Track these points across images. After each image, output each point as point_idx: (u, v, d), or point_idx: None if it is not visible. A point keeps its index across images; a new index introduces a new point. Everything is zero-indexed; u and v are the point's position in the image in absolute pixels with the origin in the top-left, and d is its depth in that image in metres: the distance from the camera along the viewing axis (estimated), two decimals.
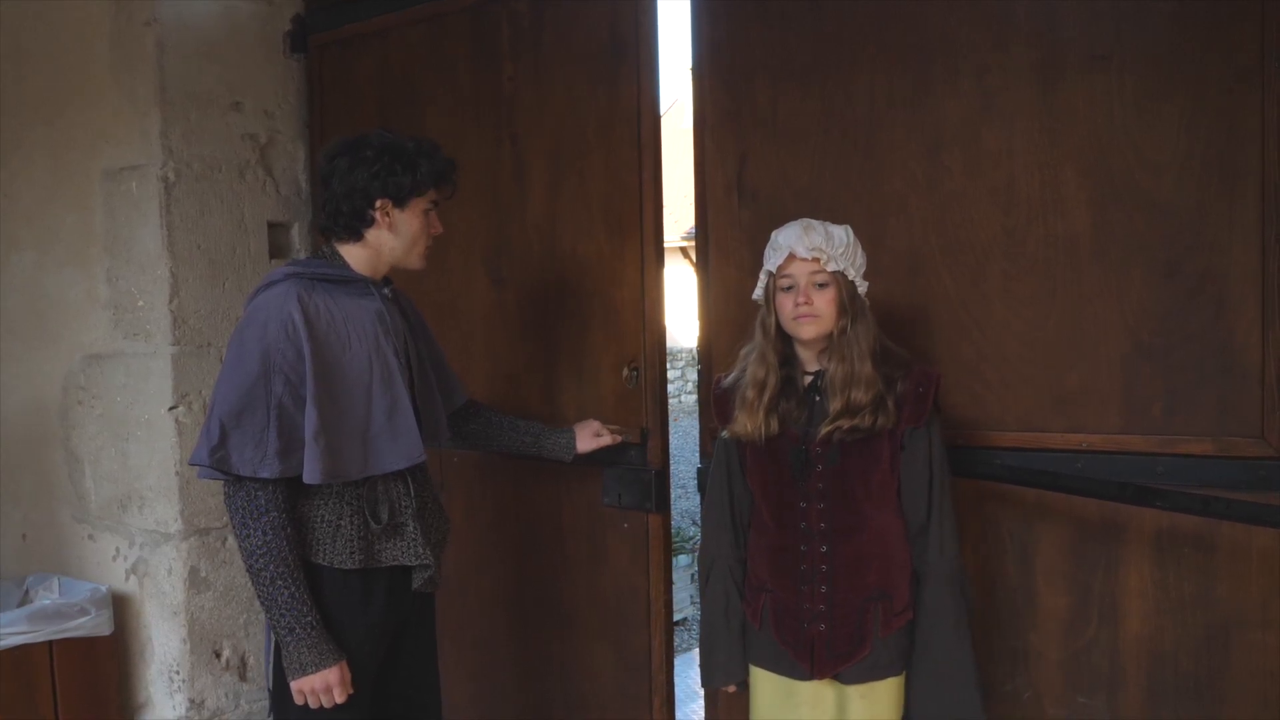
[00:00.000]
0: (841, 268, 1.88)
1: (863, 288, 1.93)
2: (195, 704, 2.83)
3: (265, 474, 1.87)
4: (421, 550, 2.04)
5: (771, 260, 1.92)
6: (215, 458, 1.87)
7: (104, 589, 2.86)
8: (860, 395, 1.86)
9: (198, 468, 1.93)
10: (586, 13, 2.50)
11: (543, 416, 2.62)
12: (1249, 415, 1.91)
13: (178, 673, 2.84)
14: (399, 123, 2.80)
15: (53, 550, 3.08)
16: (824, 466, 1.91)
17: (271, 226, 3.01)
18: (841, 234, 1.90)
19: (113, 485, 2.93)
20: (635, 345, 2.50)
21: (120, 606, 2.89)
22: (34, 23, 3.02)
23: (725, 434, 2.02)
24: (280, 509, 1.90)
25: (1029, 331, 2.08)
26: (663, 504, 2.48)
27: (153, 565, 2.85)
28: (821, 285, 1.88)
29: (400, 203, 2.02)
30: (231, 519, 1.92)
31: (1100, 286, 2.02)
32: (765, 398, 1.92)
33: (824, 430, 1.88)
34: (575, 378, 2.60)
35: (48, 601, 2.76)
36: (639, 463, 2.49)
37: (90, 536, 3.01)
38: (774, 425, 1.92)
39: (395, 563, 2.02)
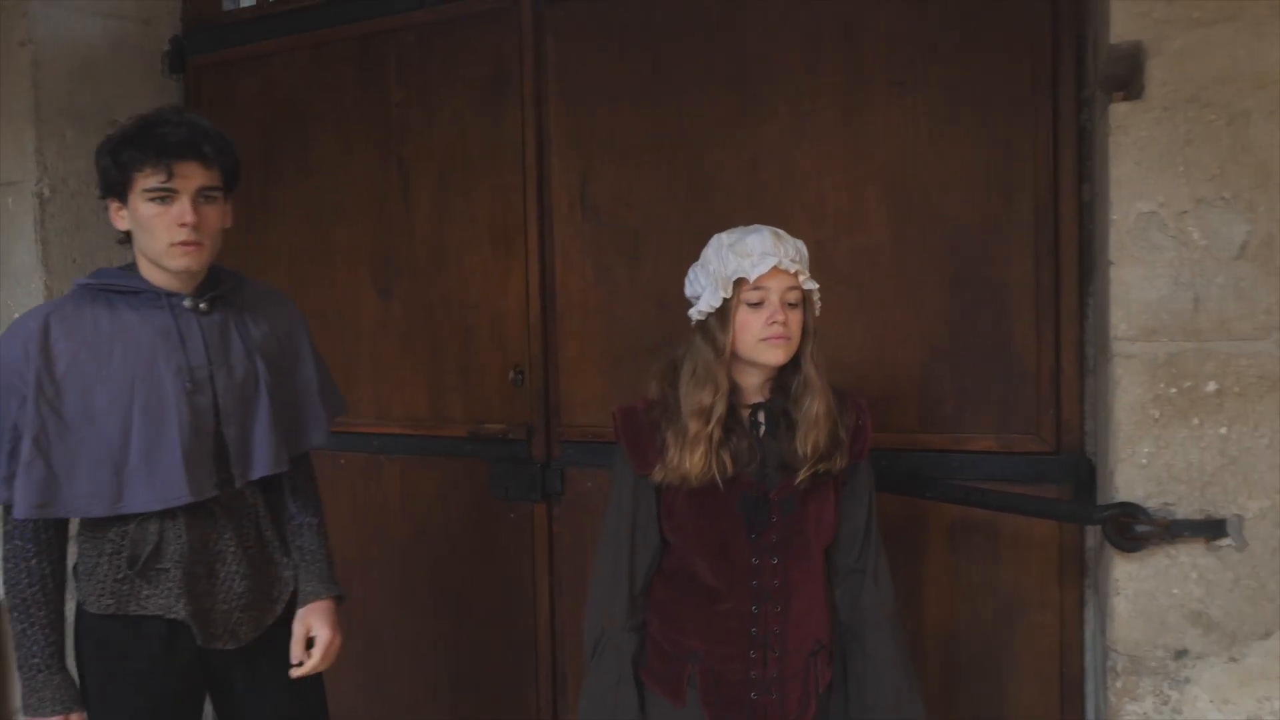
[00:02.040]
0: (814, 287, 1.70)
1: (817, 310, 1.74)
2: None
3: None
4: (176, 603, 1.80)
5: (744, 266, 1.65)
6: None
7: None
8: (825, 433, 1.67)
9: None
10: (472, 43, 2.64)
11: (429, 419, 2.76)
12: (1027, 414, 2.11)
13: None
14: (283, 142, 2.94)
15: None
16: (779, 517, 1.69)
17: None
18: (803, 246, 1.73)
19: None
20: (520, 350, 2.64)
21: None
22: None
23: (653, 477, 1.71)
24: (28, 538, 1.76)
25: (838, 336, 2.25)
26: (547, 494, 2.62)
27: None
28: (793, 305, 1.67)
29: (122, 197, 1.78)
30: None
31: (900, 295, 2.20)
32: (713, 430, 1.64)
33: (803, 475, 1.66)
34: (463, 381, 2.73)
35: None
36: (524, 457, 2.64)
37: None
38: (727, 466, 1.65)
39: (145, 612, 1.81)
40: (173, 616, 1.80)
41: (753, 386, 1.72)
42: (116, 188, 1.77)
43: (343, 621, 2.03)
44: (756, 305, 1.65)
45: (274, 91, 2.96)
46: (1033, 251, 2.08)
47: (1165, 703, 1.68)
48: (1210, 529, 1.63)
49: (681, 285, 2.35)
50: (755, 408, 1.72)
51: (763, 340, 1.64)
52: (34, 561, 1.76)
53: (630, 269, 2.47)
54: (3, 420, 1.74)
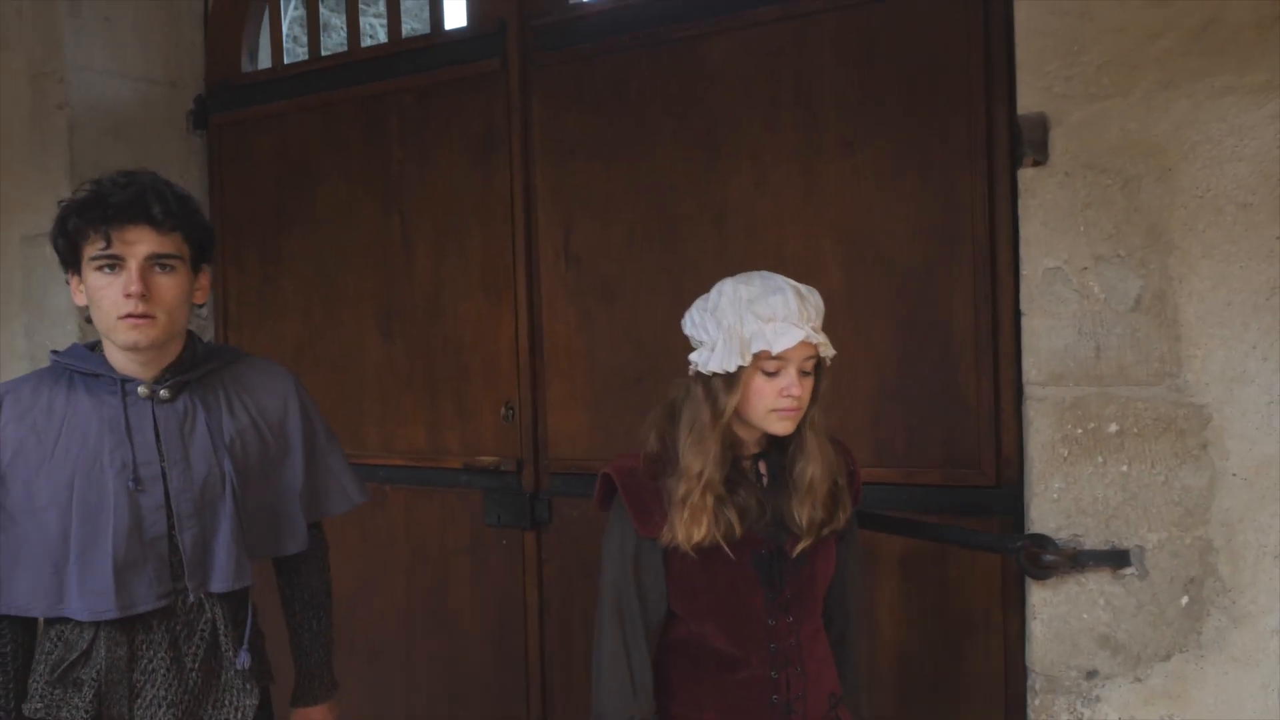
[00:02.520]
0: (831, 354, 1.60)
1: (828, 367, 1.64)
2: None
3: None
4: (83, 716, 1.64)
5: (767, 334, 1.53)
6: None
7: None
8: (826, 492, 1.61)
9: None
10: (465, 107, 2.86)
11: (429, 452, 2.97)
12: (970, 449, 2.26)
13: None
14: (294, 196, 3.17)
15: None
16: (794, 573, 1.61)
17: None
18: (819, 301, 1.62)
19: None
20: (511, 388, 2.84)
21: None
22: None
23: (661, 539, 1.59)
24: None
25: None
26: (536, 522, 2.81)
27: None
28: (807, 373, 1.57)
29: (77, 269, 1.65)
30: None
31: (853, 336, 2.36)
32: (711, 497, 1.55)
33: (802, 544, 1.59)
34: (458, 417, 2.94)
35: None
36: (515, 487, 2.83)
37: None
38: (735, 526, 1.56)
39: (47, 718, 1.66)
40: None
41: (751, 439, 1.63)
42: (69, 259, 1.64)
43: (347, 640, 2.21)
44: (773, 375, 1.54)
45: (287, 149, 3.19)
46: (972, 298, 2.24)
47: (1079, 719, 1.82)
48: (1114, 559, 1.77)
49: (654, 328, 2.55)
50: (755, 458, 1.64)
51: (773, 411, 1.55)
52: None
53: (609, 313, 2.66)
54: None
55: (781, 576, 1.60)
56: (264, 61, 3.39)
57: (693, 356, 1.61)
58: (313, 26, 3.25)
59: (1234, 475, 1.69)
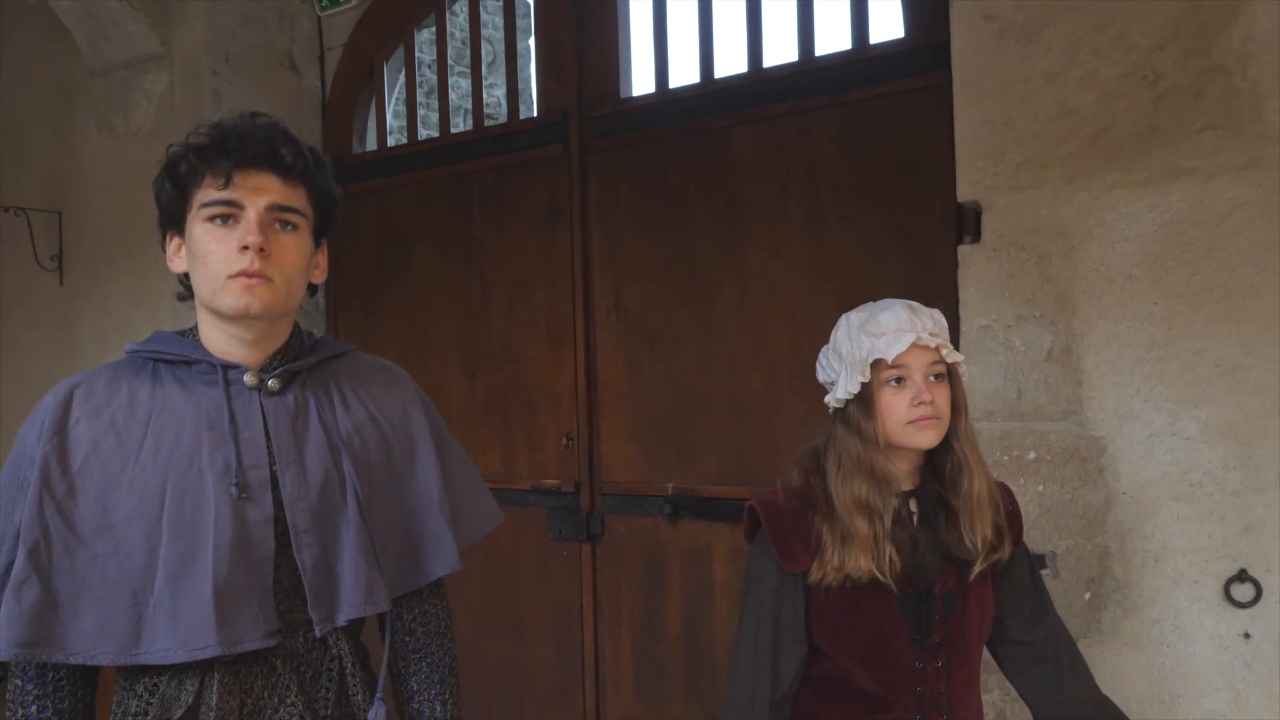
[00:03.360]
0: (959, 359, 1.59)
1: (965, 379, 1.64)
2: None
3: None
4: None
5: (879, 346, 1.55)
6: None
7: None
8: (989, 520, 1.56)
9: None
10: (534, 183, 3.45)
11: (504, 475, 3.53)
12: None
13: None
14: (394, 258, 3.80)
15: None
16: (942, 615, 1.56)
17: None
18: (940, 316, 1.62)
19: None
20: (571, 422, 3.39)
21: None
22: (125, 182, 4.11)
23: (805, 574, 1.57)
24: (30, 676, 1.37)
25: (807, 416, 2.91)
26: (590, 536, 3.34)
27: None
28: (938, 378, 1.56)
29: (180, 227, 1.42)
30: None
31: None
32: (883, 525, 1.52)
33: (978, 567, 1.55)
34: (527, 446, 3.50)
35: None
36: (574, 506, 3.37)
37: None
38: (895, 562, 1.53)
39: None
40: None
41: (902, 473, 1.59)
42: (173, 213, 1.41)
43: None
44: (898, 386, 1.54)
45: (388, 219, 3.83)
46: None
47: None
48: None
49: (689, 373, 3.07)
50: (906, 495, 1.60)
51: (910, 423, 1.53)
52: (34, 709, 1.36)
53: (652, 360, 3.19)
54: (4, 525, 1.36)
55: (930, 618, 1.55)
56: (370, 144, 4.05)
57: (827, 399, 1.63)
58: (411, 116, 3.89)
59: (1124, 494, 2.12)
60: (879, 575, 1.51)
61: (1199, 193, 2.06)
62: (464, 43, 5.04)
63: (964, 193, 2.32)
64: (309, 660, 1.43)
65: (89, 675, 1.42)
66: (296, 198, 1.40)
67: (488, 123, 3.65)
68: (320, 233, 1.49)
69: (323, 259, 1.53)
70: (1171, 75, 2.08)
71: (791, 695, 1.60)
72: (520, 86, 3.65)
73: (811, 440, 1.67)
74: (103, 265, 4.21)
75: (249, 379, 1.41)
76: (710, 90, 3.08)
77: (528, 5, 3.56)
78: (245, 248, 1.33)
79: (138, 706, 1.38)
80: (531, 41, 3.50)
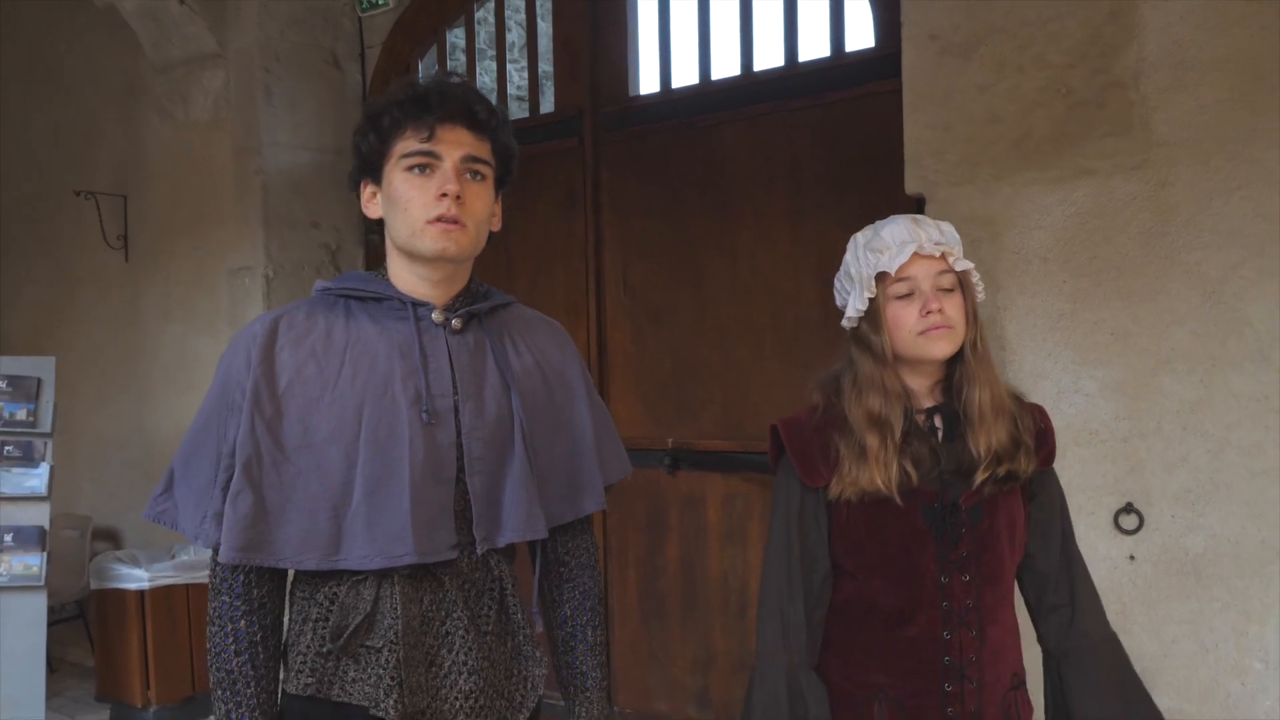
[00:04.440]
0: (969, 266, 1.60)
1: (981, 292, 1.64)
2: None
3: (201, 542, 1.50)
4: (385, 697, 1.46)
5: (883, 260, 1.57)
6: (158, 510, 1.55)
7: None
8: (1004, 431, 1.56)
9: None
10: (553, 173, 3.93)
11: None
12: None
13: None
14: None
15: None
16: (968, 527, 1.56)
17: None
18: (950, 227, 1.62)
19: None
20: None
21: None
22: (185, 168, 4.64)
23: (826, 490, 1.59)
24: (238, 594, 1.49)
25: (787, 380, 3.38)
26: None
27: None
28: (948, 289, 1.57)
29: (376, 175, 1.56)
30: None
31: (825, 350, 3.29)
32: (893, 440, 1.54)
33: (979, 479, 1.54)
34: None
35: (186, 557, 4.28)
36: None
37: None
38: (911, 475, 1.54)
39: (350, 700, 1.50)
40: (378, 714, 1.46)
41: (923, 389, 1.61)
42: (372, 162, 1.55)
43: None
44: (906, 298, 1.55)
45: None
46: None
47: None
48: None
49: (687, 341, 3.55)
50: (930, 411, 1.60)
51: (921, 334, 1.54)
52: (243, 624, 1.48)
53: (655, 330, 3.68)
54: (220, 445, 1.49)
55: (956, 530, 1.55)
56: None
57: (842, 321, 1.66)
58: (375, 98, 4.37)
59: None
60: (885, 489, 1.52)
61: (1100, 189, 2.50)
62: (489, 43, 5.51)
63: (910, 186, 2.78)
64: (473, 579, 1.55)
65: (283, 594, 1.54)
66: (485, 151, 1.53)
67: (511, 117, 4.11)
68: (499, 183, 1.60)
69: (499, 209, 1.62)
70: (1080, 89, 2.52)
71: (823, 614, 1.62)
72: (539, 84, 4.11)
73: (832, 364, 1.70)
74: (164, 245, 4.75)
75: (437, 316, 1.54)
76: (707, 90, 3.55)
77: (548, 10, 4.02)
78: (444, 195, 1.46)
79: (318, 613, 1.51)
80: (550, 44, 3.96)
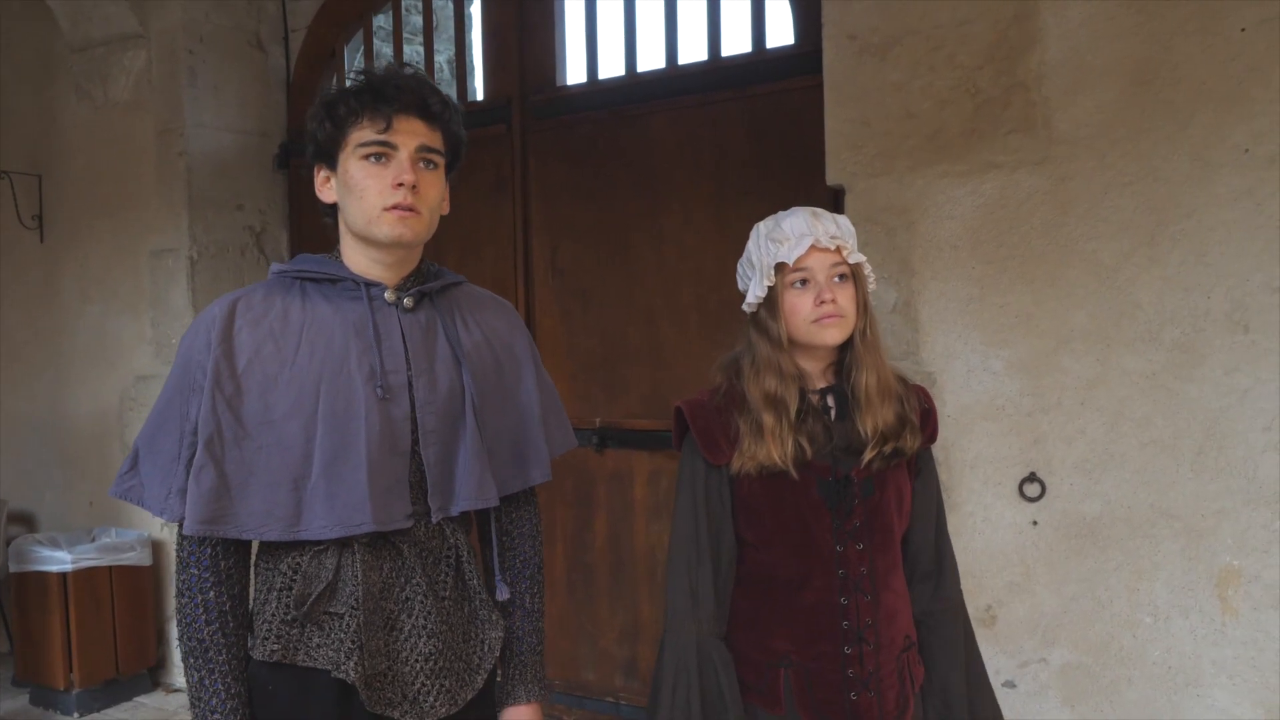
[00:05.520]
0: (861, 259, 1.71)
1: (872, 283, 1.75)
2: None
3: (167, 516, 1.53)
4: (346, 660, 1.52)
5: (781, 251, 1.66)
6: (124, 487, 1.58)
7: (146, 535, 4.33)
8: (890, 411, 1.67)
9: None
10: (482, 159, 3.94)
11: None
12: None
13: None
14: None
15: (110, 511, 4.55)
16: (860, 499, 1.66)
17: None
18: (846, 221, 1.71)
19: None
20: None
21: (157, 547, 4.36)
22: (104, 149, 4.54)
23: (728, 467, 1.68)
24: (205, 565, 1.53)
25: (710, 359, 3.47)
26: None
27: None
28: (842, 279, 1.66)
29: (332, 161, 1.59)
30: None
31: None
32: (788, 418, 1.64)
33: (868, 456, 1.65)
34: None
35: (108, 539, 4.22)
36: None
37: None
38: (806, 450, 1.64)
39: (314, 664, 1.54)
40: (340, 676, 1.52)
41: (817, 371, 1.71)
42: (327, 149, 1.58)
43: None
44: (802, 287, 1.65)
45: None
46: None
47: None
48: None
49: (615, 323, 3.63)
50: (823, 392, 1.71)
51: (814, 322, 1.64)
52: (212, 595, 1.53)
53: (583, 312, 3.75)
54: (183, 423, 1.53)
55: (848, 503, 1.65)
56: None
57: (743, 306, 1.76)
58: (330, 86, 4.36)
59: (948, 415, 2.74)
60: (781, 463, 1.62)
61: (1005, 182, 2.66)
62: (416, 29, 5.49)
63: (831, 177, 2.90)
64: (430, 547, 1.61)
65: (248, 565, 1.60)
66: (437, 140, 1.58)
67: None
68: (449, 169, 1.66)
69: (447, 194, 1.68)
70: (987, 89, 2.67)
71: (730, 586, 1.71)
72: (466, 72, 4.14)
73: (733, 349, 1.80)
74: (83, 225, 4.64)
75: (389, 295, 1.59)
76: (633, 82, 3.62)
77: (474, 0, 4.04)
78: (400, 184, 1.52)
79: (282, 583, 1.55)
80: (478, 32, 3.99)
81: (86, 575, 4.11)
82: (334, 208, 1.62)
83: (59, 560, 4.08)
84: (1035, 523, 2.66)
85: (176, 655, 4.38)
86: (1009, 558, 2.69)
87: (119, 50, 4.38)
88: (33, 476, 4.86)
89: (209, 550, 1.53)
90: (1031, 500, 2.66)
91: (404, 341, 1.59)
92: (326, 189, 1.62)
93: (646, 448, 3.64)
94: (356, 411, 1.53)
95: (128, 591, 4.24)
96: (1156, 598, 2.52)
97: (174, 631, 4.41)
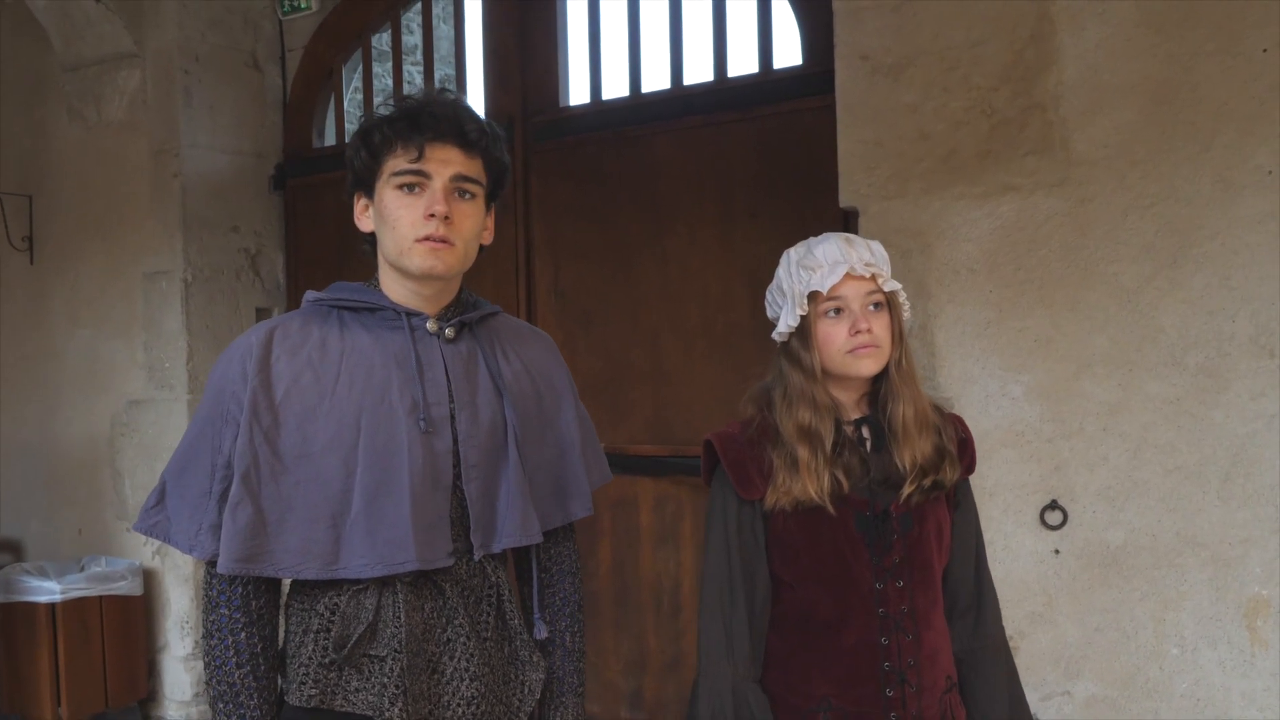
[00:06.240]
0: (896, 287, 1.65)
1: (907, 311, 1.70)
2: (199, 645, 4.15)
3: (197, 554, 1.48)
4: (390, 706, 1.45)
5: (814, 279, 1.60)
6: (150, 522, 1.52)
7: (137, 564, 4.22)
8: (928, 443, 1.62)
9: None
10: None
11: None
12: None
13: (187, 622, 4.19)
14: (351, 245, 4.17)
15: (101, 539, 4.45)
16: (900, 534, 1.60)
17: (258, 311, 4.41)
18: (880, 247, 1.67)
19: (144, 492, 4.29)
20: None
21: (148, 576, 4.25)
22: (96, 170, 4.45)
23: (761, 502, 1.62)
24: (236, 606, 1.48)
25: (716, 383, 3.42)
26: None
27: (170, 548, 4.19)
28: (877, 307, 1.61)
29: (369, 190, 1.55)
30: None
31: (756, 355, 3.34)
32: (824, 451, 1.58)
33: (907, 490, 1.59)
34: None
35: (98, 569, 4.11)
36: None
37: (127, 529, 4.37)
38: (843, 484, 1.58)
39: (353, 710, 1.49)
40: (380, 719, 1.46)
41: (851, 402, 1.66)
42: (364, 177, 1.55)
43: None
44: (836, 316, 1.60)
45: (345, 209, 4.17)
46: None
47: None
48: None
49: (619, 345, 3.56)
50: (858, 423, 1.66)
51: (849, 352, 1.58)
52: (243, 636, 1.48)
53: (586, 335, 3.68)
54: (215, 456, 1.48)
55: (888, 538, 1.59)
56: (330, 139, 4.44)
57: (774, 334, 1.71)
58: (368, 115, 4.29)
59: None
60: (817, 499, 1.55)
61: (1023, 204, 2.61)
62: (416, 53, 5.45)
63: (844, 200, 2.85)
64: (471, 585, 1.55)
65: (278, 605, 1.54)
66: (475, 168, 1.54)
67: None
68: (491, 197, 1.61)
69: (490, 222, 1.64)
70: (1003, 110, 2.62)
71: (765, 626, 1.64)
72: (467, 93, 4.08)
73: (763, 379, 1.75)
74: (73, 246, 4.55)
75: (431, 325, 1.55)
76: (637, 103, 3.57)
77: (477, 18, 3.98)
78: (432, 215, 1.47)
79: (319, 624, 1.49)
80: (478, 52, 3.93)
81: (75, 606, 4.00)
82: (373, 236, 1.59)
83: (47, 590, 3.96)
84: (1057, 551, 2.60)
85: (168, 687, 4.27)
86: (1031, 587, 2.63)
87: (113, 69, 4.30)
88: (20, 503, 4.74)
89: (240, 589, 1.48)
90: (1053, 528, 2.60)
91: (446, 373, 1.54)
92: (365, 218, 1.59)
93: (651, 474, 3.56)
94: (399, 445, 1.48)
95: (118, 622, 4.12)
96: (1183, 628, 2.45)
97: (165, 663, 4.34)
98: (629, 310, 3.60)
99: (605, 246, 3.64)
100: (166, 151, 4.21)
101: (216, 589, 1.49)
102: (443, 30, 5.22)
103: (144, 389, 4.30)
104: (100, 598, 4.06)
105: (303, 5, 4.31)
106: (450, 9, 4.31)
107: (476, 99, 4.25)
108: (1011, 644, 2.59)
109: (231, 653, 1.48)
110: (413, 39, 5.44)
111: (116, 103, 4.33)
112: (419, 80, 5.00)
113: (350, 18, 4.23)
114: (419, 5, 4.13)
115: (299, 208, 4.42)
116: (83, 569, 4.22)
